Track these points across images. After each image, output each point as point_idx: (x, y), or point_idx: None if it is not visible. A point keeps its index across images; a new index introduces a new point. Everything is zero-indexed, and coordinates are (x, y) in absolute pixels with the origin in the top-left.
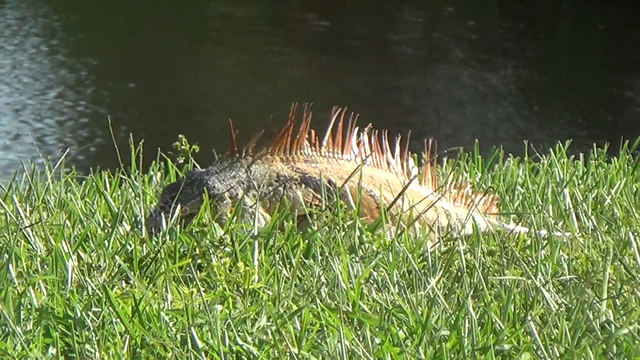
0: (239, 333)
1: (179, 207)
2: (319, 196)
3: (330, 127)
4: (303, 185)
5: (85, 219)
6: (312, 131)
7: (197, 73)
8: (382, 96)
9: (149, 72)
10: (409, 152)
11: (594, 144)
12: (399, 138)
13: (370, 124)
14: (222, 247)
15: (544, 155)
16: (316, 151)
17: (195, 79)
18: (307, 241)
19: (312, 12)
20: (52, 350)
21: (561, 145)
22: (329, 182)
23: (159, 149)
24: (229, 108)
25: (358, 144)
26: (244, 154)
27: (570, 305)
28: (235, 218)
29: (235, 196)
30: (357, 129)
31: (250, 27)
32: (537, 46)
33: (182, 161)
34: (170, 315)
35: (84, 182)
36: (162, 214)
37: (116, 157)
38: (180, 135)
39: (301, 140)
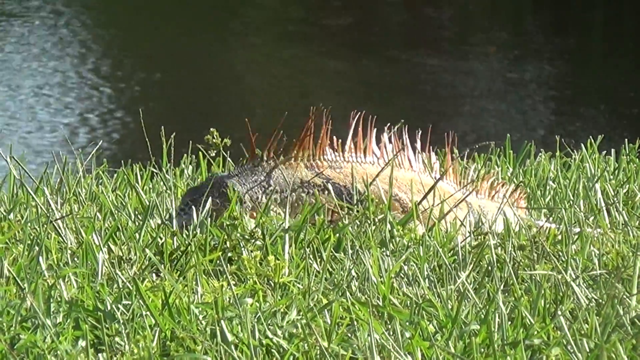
0: (269, 326)
1: (207, 205)
2: (341, 203)
3: (351, 131)
4: (326, 192)
5: (116, 211)
6: (334, 137)
7: (231, 67)
8: (411, 91)
9: (182, 66)
10: (431, 147)
11: (626, 140)
12: (419, 133)
13: (389, 123)
14: (253, 240)
15: (575, 151)
16: (340, 156)
17: (229, 73)
18: (337, 235)
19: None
20: (81, 343)
21: (593, 140)
22: (349, 188)
23: (190, 142)
24: (262, 102)
25: (379, 146)
26: (265, 159)
27: (600, 300)
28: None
29: (255, 200)
30: (375, 130)
31: (283, 19)
32: (570, 41)
33: (213, 154)
34: (200, 309)
35: (115, 174)
36: (182, 215)
37: (150, 150)
38: (211, 129)
39: (324, 146)
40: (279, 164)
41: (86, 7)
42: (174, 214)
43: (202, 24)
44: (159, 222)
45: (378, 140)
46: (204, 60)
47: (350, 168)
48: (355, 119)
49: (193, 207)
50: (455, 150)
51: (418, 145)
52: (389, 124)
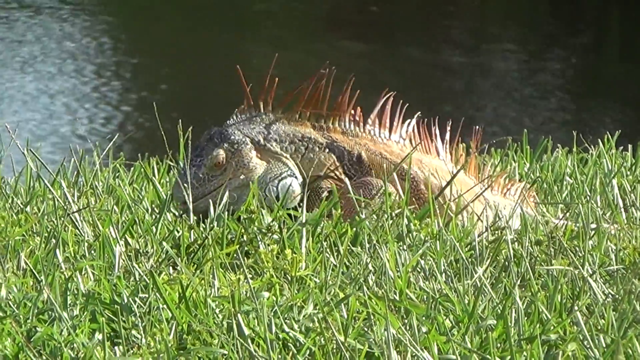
0: (286, 320)
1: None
2: (339, 165)
3: (379, 106)
4: (327, 150)
5: (133, 204)
6: (359, 107)
7: (249, 60)
8: (429, 85)
9: (200, 59)
10: (457, 140)
11: None
12: (449, 124)
13: (419, 112)
14: (270, 234)
15: (592, 146)
16: (359, 127)
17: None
18: (355, 229)
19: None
20: (98, 336)
21: (610, 136)
22: (359, 156)
23: None
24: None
25: (409, 130)
26: (263, 109)
27: (617, 296)
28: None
29: (257, 142)
30: (406, 119)
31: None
32: (587, 37)
33: None
34: (217, 302)
35: (132, 168)
36: (191, 168)
37: (173, 144)
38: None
39: (340, 111)
40: (279, 117)
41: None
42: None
43: (220, 15)
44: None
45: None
46: (221, 53)
47: (368, 140)
48: (384, 98)
49: (199, 158)
50: (472, 145)
51: (447, 135)
52: (419, 113)
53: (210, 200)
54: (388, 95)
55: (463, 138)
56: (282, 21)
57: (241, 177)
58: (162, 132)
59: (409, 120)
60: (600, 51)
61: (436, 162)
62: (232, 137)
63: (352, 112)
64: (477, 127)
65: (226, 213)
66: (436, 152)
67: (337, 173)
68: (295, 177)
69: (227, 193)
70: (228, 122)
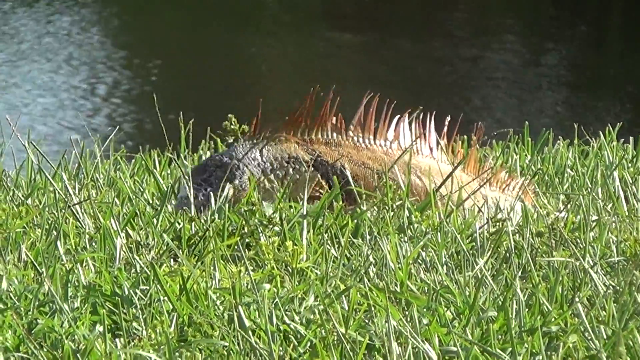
0: (287, 312)
1: (226, 187)
2: (323, 182)
3: (361, 110)
4: (312, 169)
5: (134, 197)
6: (339, 114)
7: (251, 54)
8: (430, 78)
9: (201, 53)
10: (455, 135)
11: None
12: (448, 120)
13: (410, 109)
14: (271, 226)
15: (593, 138)
16: (341, 135)
17: (249, 60)
18: (355, 221)
19: None
20: (99, 328)
21: (611, 128)
22: (342, 168)
23: (208, 128)
24: (280, 89)
25: (396, 129)
26: (260, 136)
27: (618, 288)
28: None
29: (258, 179)
30: (395, 115)
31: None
32: (588, 30)
33: (231, 140)
34: (217, 294)
35: (133, 160)
36: (200, 194)
37: (167, 136)
38: (229, 115)
39: (323, 122)
40: (269, 140)
41: None
42: (189, 196)
43: (222, 10)
44: (175, 207)
45: (395, 125)
46: (223, 47)
47: (352, 147)
48: (366, 100)
49: (208, 187)
50: (474, 137)
51: (445, 130)
52: (409, 110)
53: (199, 196)
54: (369, 97)
55: (463, 133)
56: (275, 13)
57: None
58: (162, 124)
59: (396, 119)
60: (602, 44)
61: (428, 161)
62: (243, 176)
63: (334, 120)
64: (479, 122)
65: (227, 205)
66: (429, 150)
67: (322, 191)
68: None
69: (228, 186)
70: (236, 151)
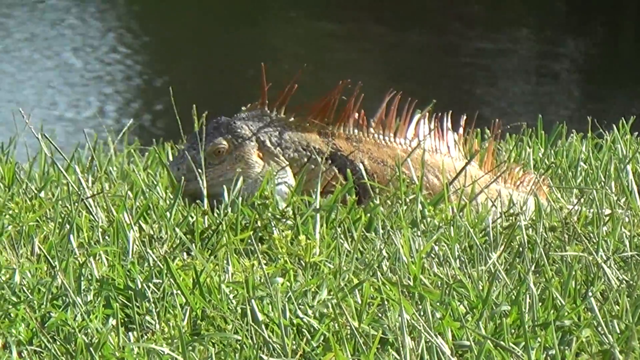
0: (300, 306)
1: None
2: (341, 177)
3: (383, 107)
4: (329, 161)
5: (147, 190)
6: (362, 111)
7: (266, 45)
8: (444, 72)
9: (215, 45)
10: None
11: None
12: (464, 118)
13: (425, 108)
14: (284, 219)
15: (607, 132)
16: (363, 131)
17: (264, 52)
18: (369, 215)
19: None
20: (112, 321)
21: (625, 121)
22: (359, 165)
23: None
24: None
25: (416, 127)
26: (275, 110)
27: (631, 282)
28: (261, 162)
29: (262, 142)
30: (416, 113)
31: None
32: (603, 21)
33: None
34: (231, 288)
35: (146, 153)
36: (190, 152)
37: (181, 129)
38: (242, 108)
39: (346, 117)
40: (288, 121)
41: None
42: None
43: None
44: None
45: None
46: (238, 38)
47: (372, 144)
48: (389, 98)
49: (188, 150)
50: (487, 131)
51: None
52: (429, 107)
53: (224, 187)
54: (392, 94)
55: (477, 126)
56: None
57: (237, 170)
58: (177, 117)
59: (417, 116)
60: (616, 36)
61: (446, 160)
62: (239, 130)
63: (356, 115)
64: (497, 120)
65: (240, 199)
66: (447, 149)
67: (339, 186)
68: (290, 186)
69: (240, 180)
70: (238, 114)
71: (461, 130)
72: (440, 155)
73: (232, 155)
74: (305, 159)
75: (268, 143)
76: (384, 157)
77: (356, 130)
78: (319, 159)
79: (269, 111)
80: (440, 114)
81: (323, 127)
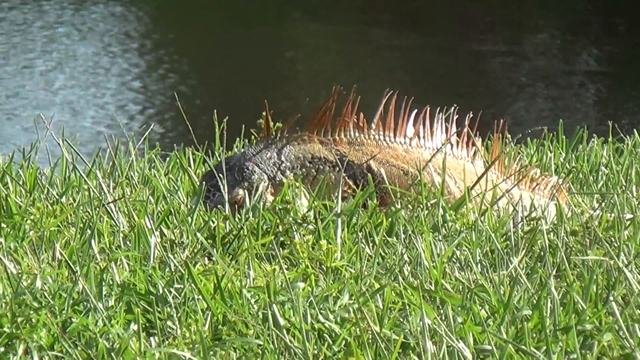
0: (321, 311)
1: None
2: (350, 182)
3: (381, 108)
4: (337, 169)
5: (168, 195)
6: (361, 113)
7: (286, 50)
8: (462, 73)
9: (236, 50)
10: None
11: None
12: (469, 117)
13: (428, 107)
14: (305, 224)
15: (628, 136)
16: (364, 134)
17: (284, 57)
18: (390, 219)
19: None
20: (133, 326)
21: None
22: (369, 168)
23: (243, 126)
24: (314, 87)
25: (415, 126)
26: (278, 136)
27: None
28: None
29: (273, 178)
30: (415, 111)
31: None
32: (624, 23)
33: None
34: (252, 293)
35: (167, 158)
36: (207, 203)
37: (204, 134)
38: (264, 113)
39: (345, 122)
40: (289, 140)
41: None
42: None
43: (256, 7)
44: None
45: (413, 122)
46: (258, 44)
47: (374, 146)
48: (386, 97)
49: (217, 192)
50: (508, 135)
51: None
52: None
53: (244, 192)
54: (389, 94)
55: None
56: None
57: None
58: (188, 123)
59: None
60: (637, 40)
61: (456, 161)
62: (252, 176)
63: (355, 119)
64: (502, 119)
65: (261, 204)
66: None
67: (350, 191)
68: (306, 196)
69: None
70: (247, 153)
71: (467, 129)
72: (455, 159)
73: (248, 200)
74: (314, 171)
75: (279, 175)
76: (387, 157)
77: (357, 133)
78: (327, 168)
79: (271, 137)
80: (446, 112)
81: (324, 134)
